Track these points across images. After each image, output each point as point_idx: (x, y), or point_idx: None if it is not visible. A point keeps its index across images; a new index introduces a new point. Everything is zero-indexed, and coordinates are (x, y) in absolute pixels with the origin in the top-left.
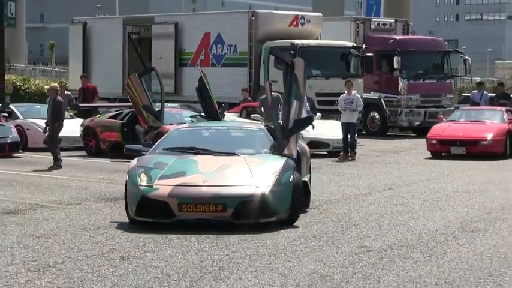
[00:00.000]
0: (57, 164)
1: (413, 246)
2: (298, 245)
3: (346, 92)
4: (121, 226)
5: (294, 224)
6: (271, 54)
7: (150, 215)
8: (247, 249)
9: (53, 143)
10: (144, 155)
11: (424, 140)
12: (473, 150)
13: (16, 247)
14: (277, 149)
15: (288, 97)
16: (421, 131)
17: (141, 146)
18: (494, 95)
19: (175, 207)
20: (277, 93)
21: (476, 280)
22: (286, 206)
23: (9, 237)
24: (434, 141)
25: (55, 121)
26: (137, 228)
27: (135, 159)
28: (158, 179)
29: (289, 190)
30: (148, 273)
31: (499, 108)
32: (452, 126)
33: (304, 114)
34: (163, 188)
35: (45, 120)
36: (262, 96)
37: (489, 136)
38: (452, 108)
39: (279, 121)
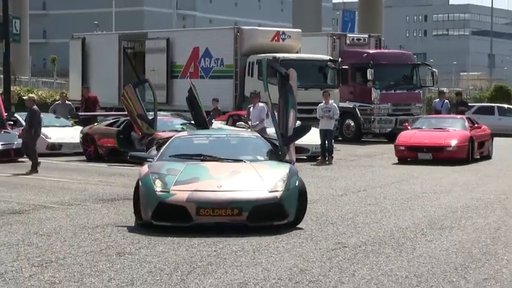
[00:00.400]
0: (35, 168)
1: (386, 242)
2: (280, 242)
3: (324, 101)
4: (117, 225)
5: (298, 226)
6: (269, 66)
7: (168, 219)
8: (233, 246)
9: (32, 148)
10: (149, 161)
11: None
12: (439, 155)
13: (21, 244)
14: (278, 155)
15: (285, 107)
16: (392, 137)
17: (145, 153)
18: (455, 102)
19: (193, 212)
20: (264, 103)
21: (443, 273)
22: (294, 209)
23: (15, 235)
24: (402, 148)
25: (31, 128)
26: (132, 226)
27: (146, 166)
28: (174, 185)
29: (296, 194)
30: (143, 268)
31: (459, 116)
32: (418, 134)
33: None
34: (180, 193)
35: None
36: (249, 106)
37: (454, 143)
38: (421, 116)
39: (279, 129)
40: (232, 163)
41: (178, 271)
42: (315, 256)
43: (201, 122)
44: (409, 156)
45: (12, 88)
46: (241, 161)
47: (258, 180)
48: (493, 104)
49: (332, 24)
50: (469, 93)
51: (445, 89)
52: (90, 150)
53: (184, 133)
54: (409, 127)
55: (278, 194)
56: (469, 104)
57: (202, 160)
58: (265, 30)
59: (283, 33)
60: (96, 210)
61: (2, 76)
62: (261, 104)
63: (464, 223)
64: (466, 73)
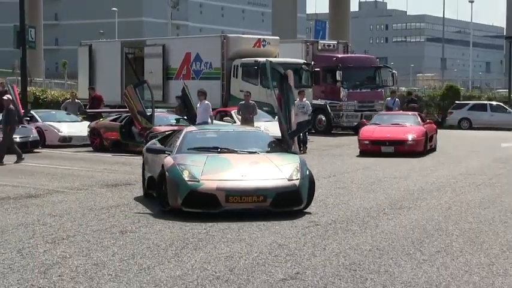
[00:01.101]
0: (20, 158)
1: (352, 220)
2: (261, 221)
3: (298, 99)
4: (120, 206)
5: (305, 211)
6: (271, 67)
7: (198, 206)
8: (220, 224)
9: (7, 143)
10: (167, 154)
11: None
12: (400, 148)
13: (36, 224)
14: (285, 147)
15: (286, 104)
16: (358, 130)
17: (162, 146)
18: (406, 100)
19: (222, 199)
20: (253, 102)
21: (402, 247)
22: (306, 195)
23: (31, 216)
24: (367, 142)
25: (7, 125)
26: (132, 208)
27: (169, 158)
28: (202, 175)
29: (307, 182)
30: (142, 244)
31: (411, 113)
32: (379, 129)
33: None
34: (209, 182)
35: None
36: (241, 103)
37: (413, 137)
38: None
39: (286, 124)
40: (248, 155)
41: (173, 246)
42: (291, 233)
43: (192, 117)
44: (373, 149)
45: (28, 88)
46: (255, 152)
47: (276, 170)
48: (486, 102)
49: (306, 32)
50: (424, 92)
51: (403, 88)
52: (97, 142)
53: (193, 128)
54: (367, 123)
55: (296, 182)
56: (463, 102)
57: (219, 152)
58: (248, 37)
59: (264, 40)
60: (101, 194)
61: (19, 78)
62: (206, 102)
63: (419, 203)
64: (421, 74)
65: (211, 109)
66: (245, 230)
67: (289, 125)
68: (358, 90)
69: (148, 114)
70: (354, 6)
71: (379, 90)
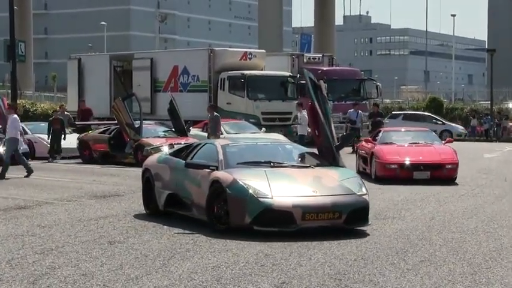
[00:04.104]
0: None
1: (337, 230)
2: (247, 231)
3: (298, 112)
4: (109, 217)
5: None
6: (308, 77)
7: (272, 224)
8: (208, 235)
9: None
10: (211, 169)
11: (346, 149)
12: (436, 174)
13: (26, 235)
14: (329, 161)
15: (326, 116)
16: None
17: (204, 161)
18: (371, 112)
19: (298, 217)
20: (217, 114)
21: (386, 256)
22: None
23: (20, 227)
24: (395, 166)
25: None
26: (121, 219)
27: (225, 173)
28: (273, 191)
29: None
30: (130, 255)
31: (425, 129)
32: (403, 150)
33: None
34: (283, 198)
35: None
36: (210, 116)
37: (451, 159)
38: (368, 123)
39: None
40: (304, 169)
41: (161, 257)
42: (277, 243)
43: (180, 129)
44: (404, 175)
45: (18, 101)
46: (308, 166)
47: (341, 185)
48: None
49: (292, 46)
50: (408, 104)
51: (388, 101)
52: (86, 154)
53: (226, 141)
54: (375, 143)
55: (366, 198)
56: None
57: (272, 167)
58: (235, 51)
59: (250, 53)
60: (90, 205)
61: (9, 91)
62: (14, 116)
63: (404, 214)
64: (405, 87)
65: (19, 123)
66: (232, 240)
67: (333, 137)
68: (343, 103)
69: (137, 126)
70: (338, 20)
71: (364, 102)
